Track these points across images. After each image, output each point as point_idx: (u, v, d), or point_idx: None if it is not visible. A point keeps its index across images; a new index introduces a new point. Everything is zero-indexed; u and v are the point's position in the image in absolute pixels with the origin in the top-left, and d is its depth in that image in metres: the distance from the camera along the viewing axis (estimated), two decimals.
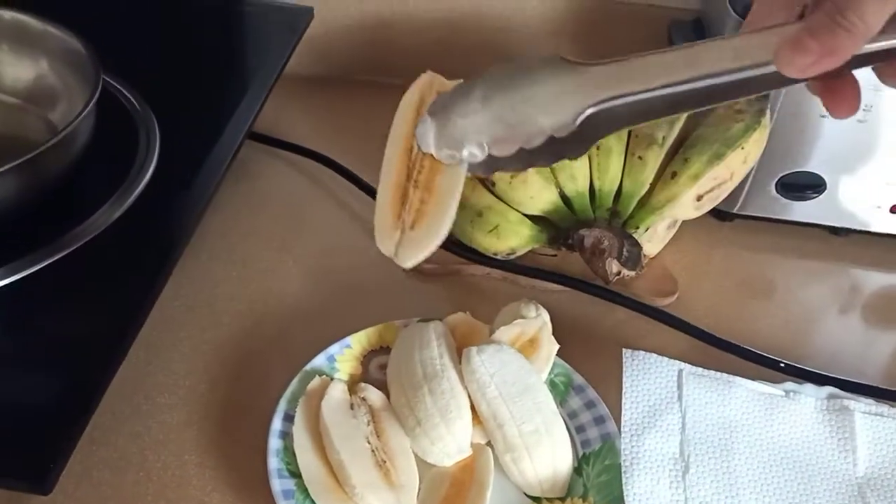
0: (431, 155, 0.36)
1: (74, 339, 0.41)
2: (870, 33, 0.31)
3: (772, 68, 0.32)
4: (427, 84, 0.46)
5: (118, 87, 0.53)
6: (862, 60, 0.32)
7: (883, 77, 0.34)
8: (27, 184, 0.44)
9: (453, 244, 0.58)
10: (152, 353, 0.50)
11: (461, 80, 0.38)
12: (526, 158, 0.35)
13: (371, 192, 0.64)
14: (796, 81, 0.33)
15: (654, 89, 0.34)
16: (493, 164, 0.36)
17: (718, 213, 0.63)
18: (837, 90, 0.35)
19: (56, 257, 0.43)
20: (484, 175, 0.37)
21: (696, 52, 0.34)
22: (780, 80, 0.33)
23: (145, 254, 0.45)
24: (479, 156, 0.36)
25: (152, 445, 0.45)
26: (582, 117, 0.34)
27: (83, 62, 0.47)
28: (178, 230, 0.46)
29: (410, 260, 0.41)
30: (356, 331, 0.51)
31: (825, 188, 0.60)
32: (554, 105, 0.35)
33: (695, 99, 0.34)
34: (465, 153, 0.36)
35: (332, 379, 0.48)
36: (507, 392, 0.45)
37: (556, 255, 0.59)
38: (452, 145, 0.36)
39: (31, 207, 0.45)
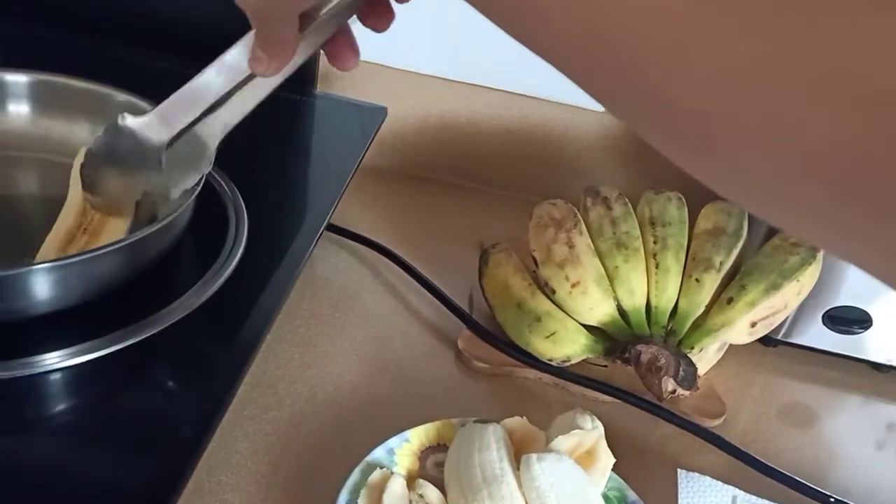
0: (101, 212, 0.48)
1: (161, 417, 0.42)
2: (291, 37, 0.39)
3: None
4: None
5: (211, 170, 0.55)
6: (327, 30, 0.40)
7: (361, 20, 0.40)
8: (124, 264, 0.46)
9: (508, 346, 0.60)
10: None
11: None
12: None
13: (426, 285, 0.66)
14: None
15: (198, 116, 0.44)
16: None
17: (764, 339, 0.65)
18: (334, 50, 0.42)
19: (146, 335, 0.44)
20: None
21: (206, 79, 0.43)
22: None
23: (230, 337, 0.46)
24: None
25: None
26: (163, 155, 0.45)
27: None
28: (261, 315, 0.48)
29: None
30: (410, 422, 0.52)
31: (871, 324, 0.62)
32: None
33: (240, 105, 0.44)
34: None
35: (392, 472, 0.49)
36: (566, 503, 0.46)
37: (606, 366, 0.61)
38: None
39: (125, 286, 0.47)
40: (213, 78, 0.42)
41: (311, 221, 0.57)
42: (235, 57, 0.42)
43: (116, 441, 0.41)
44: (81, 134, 0.56)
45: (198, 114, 0.44)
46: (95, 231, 0.47)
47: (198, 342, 0.46)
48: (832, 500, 0.51)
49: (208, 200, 0.54)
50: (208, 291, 0.46)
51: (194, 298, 0.46)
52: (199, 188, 0.47)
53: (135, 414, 0.43)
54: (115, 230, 0.47)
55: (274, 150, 0.66)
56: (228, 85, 0.43)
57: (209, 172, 0.55)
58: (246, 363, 0.44)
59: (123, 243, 0.43)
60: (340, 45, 0.41)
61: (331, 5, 0.40)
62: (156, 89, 0.46)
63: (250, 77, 0.42)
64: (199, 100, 0.43)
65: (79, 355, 0.42)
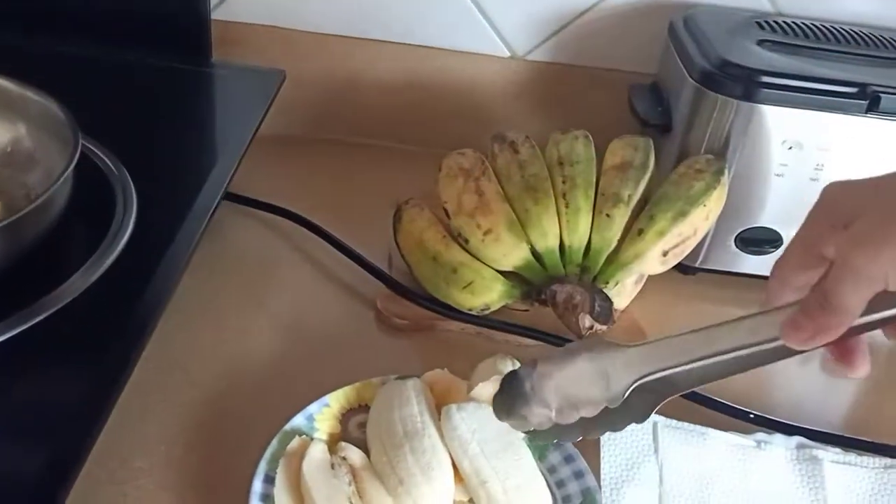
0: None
1: (53, 406, 0.40)
2: (853, 314, 0.35)
3: (780, 342, 0.38)
4: None
5: (94, 149, 0.53)
6: (860, 329, 0.36)
7: (887, 335, 0.38)
8: (3, 249, 0.43)
9: (427, 300, 0.59)
10: (125, 417, 0.49)
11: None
12: (584, 426, 0.43)
13: (342, 248, 0.65)
14: (805, 350, 0.37)
15: (682, 364, 0.40)
16: (556, 430, 0.43)
17: (682, 267, 0.65)
18: (846, 353, 0.38)
19: (32, 322, 0.42)
20: (544, 441, 0.46)
21: (715, 333, 0.40)
22: (790, 351, 0.38)
23: (124, 317, 0.44)
24: (546, 424, 0.43)
25: None
26: (629, 391, 0.41)
27: (61, 127, 0.47)
28: (156, 292, 0.46)
29: None
30: (333, 389, 0.51)
31: (782, 242, 0.63)
32: (605, 381, 0.42)
33: (721, 370, 0.40)
34: (534, 421, 0.44)
35: (311, 439, 0.48)
36: (489, 449, 0.45)
37: (528, 310, 0.60)
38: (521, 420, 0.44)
39: (7, 272, 0.44)
40: (701, 340, 0.40)
41: (208, 193, 0.55)
42: (754, 323, 0.39)
43: (6, 431, 0.39)
44: None
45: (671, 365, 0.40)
46: None
47: (88, 325, 0.44)
48: (752, 416, 0.52)
49: (92, 180, 0.51)
50: (96, 273, 0.45)
51: (81, 281, 0.44)
52: (73, 163, 0.45)
53: (26, 402, 0.41)
54: None
55: (167, 124, 0.63)
56: (723, 348, 0.39)
57: (91, 149, 0.53)
58: (140, 342, 0.43)
59: None
60: (857, 344, 0.38)
61: None
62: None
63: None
64: (685, 353, 0.40)
65: None
